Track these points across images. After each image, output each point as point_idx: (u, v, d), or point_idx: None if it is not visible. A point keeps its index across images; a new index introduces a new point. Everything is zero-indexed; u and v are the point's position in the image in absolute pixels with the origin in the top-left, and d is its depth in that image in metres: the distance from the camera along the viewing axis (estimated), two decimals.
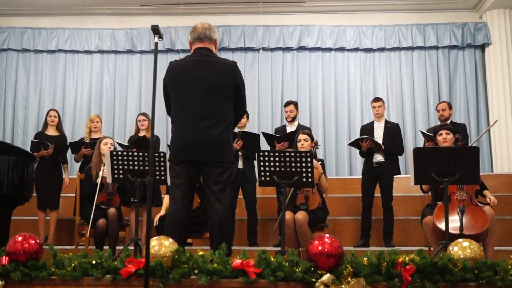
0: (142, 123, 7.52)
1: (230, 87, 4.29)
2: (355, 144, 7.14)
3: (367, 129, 7.34)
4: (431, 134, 7.07)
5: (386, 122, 7.34)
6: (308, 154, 4.64)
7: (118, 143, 7.32)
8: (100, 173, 5.97)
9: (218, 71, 4.29)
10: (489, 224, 4.88)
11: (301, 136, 5.91)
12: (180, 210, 4.21)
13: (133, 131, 8.01)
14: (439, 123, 7.32)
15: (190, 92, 4.26)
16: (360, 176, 7.29)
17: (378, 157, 7.01)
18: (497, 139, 9.88)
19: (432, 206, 5.22)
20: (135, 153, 5.00)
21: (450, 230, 4.58)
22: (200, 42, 4.45)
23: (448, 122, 7.24)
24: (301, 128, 7.07)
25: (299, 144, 5.87)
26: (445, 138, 5.46)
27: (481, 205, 5.09)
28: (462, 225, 4.78)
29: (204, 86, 4.24)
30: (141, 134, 7.52)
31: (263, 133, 7.32)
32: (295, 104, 7.56)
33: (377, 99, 7.47)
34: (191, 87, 4.27)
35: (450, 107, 7.48)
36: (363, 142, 6.91)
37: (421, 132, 7.72)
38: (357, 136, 7.29)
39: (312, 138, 5.96)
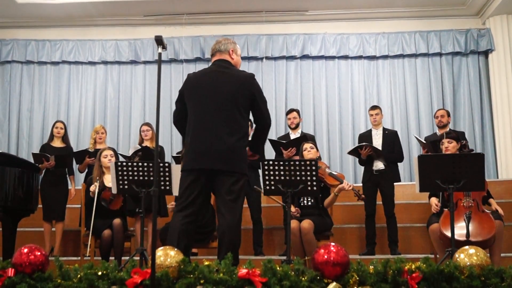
0: (146, 133, 7.52)
1: (245, 98, 4.29)
2: (354, 152, 7.14)
3: (365, 137, 7.35)
4: (424, 141, 7.12)
5: (384, 129, 7.35)
6: (313, 162, 4.64)
7: (121, 155, 7.35)
8: (94, 188, 5.97)
9: (234, 82, 4.30)
10: (496, 230, 4.86)
11: (307, 145, 5.95)
12: (186, 218, 4.22)
13: (137, 141, 8.01)
14: (437, 130, 7.34)
15: (205, 102, 4.28)
16: None
17: (379, 165, 7.00)
18: (502, 145, 9.86)
19: (438, 213, 5.20)
20: (140, 164, 5.01)
21: (456, 237, 4.57)
22: (214, 56, 4.52)
23: (447, 129, 7.25)
24: (305, 135, 7.08)
25: (305, 153, 5.90)
26: (447, 147, 5.46)
27: (488, 211, 5.08)
28: (468, 232, 4.77)
29: (219, 96, 4.26)
30: (145, 144, 7.52)
31: (269, 140, 7.33)
32: (298, 112, 7.61)
33: (374, 107, 7.49)
34: (207, 97, 4.28)
35: (448, 114, 7.50)
36: (363, 150, 6.91)
37: (416, 137, 7.76)
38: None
39: (316, 149, 5.99)
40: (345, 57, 10.59)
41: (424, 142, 7.14)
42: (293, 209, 5.65)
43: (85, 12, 10.35)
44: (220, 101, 4.25)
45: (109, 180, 6.14)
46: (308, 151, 5.89)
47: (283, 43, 10.54)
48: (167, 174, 4.99)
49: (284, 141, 7.08)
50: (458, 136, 5.68)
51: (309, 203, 5.78)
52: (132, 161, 5.49)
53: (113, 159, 6.23)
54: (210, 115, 4.24)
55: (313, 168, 4.60)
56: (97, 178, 6.07)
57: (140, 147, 7.23)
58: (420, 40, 10.41)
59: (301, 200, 5.79)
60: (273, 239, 7.43)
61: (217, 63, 4.46)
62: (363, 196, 5.95)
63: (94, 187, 5.97)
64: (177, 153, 7.26)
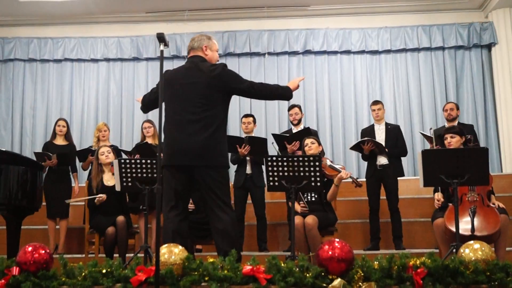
0: (148, 130, 7.50)
1: (218, 90, 4.32)
2: (357, 147, 7.12)
3: (368, 132, 7.33)
4: (431, 136, 7.07)
5: (387, 124, 7.33)
6: (316, 158, 4.63)
7: (123, 151, 7.37)
8: (101, 200, 5.98)
9: (203, 76, 4.33)
10: (501, 224, 4.84)
11: (308, 140, 5.93)
12: (177, 217, 4.23)
13: (139, 138, 8.00)
14: (446, 123, 7.30)
15: (179, 98, 4.32)
16: None
17: (382, 160, 6.99)
18: (506, 139, 9.83)
19: (443, 208, 5.18)
20: (143, 161, 5.01)
21: (461, 232, 4.56)
22: (189, 53, 4.58)
23: (456, 123, 7.20)
24: (308, 128, 7.08)
25: (306, 148, 5.88)
26: (450, 142, 5.39)
27: (493, 205, 5.06)
28: (473, 227, 4.75)
29: (191, 92, 4.30)
30: (147, 141, 7.50)
31: (273, 134, 7.32)
32: (299, 107, 7.58)
33: (376, 102, 7.47)
34: (180, 93, 4.33)
35: (457, 107, 7.44)
36: (365, 145, 6.89)
37: (421, 133, 7.71)
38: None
39: (319, 143, 5.97)
40: (348, 52, 10.55)
41: (432, 136, 7.09)
42: (298, 206, 5.65)
43: (87, 9, 10.33)
44: (191, 98, 4.28)
45: (107, 178, 6.16)
46: (309, 147, 5.86)
47: (285, 39, 10.51)
48: None
49: (287, 135, 7.07)
50: (461, 130, 5.64)
51: (313, 199, 5.78)
52: (135, 158, 5.49)
53: (110, 155, 6.25)
54: (183, 111, 4.28)
55: (317, 163, 4.59)
56: (100, 198, 6.04)
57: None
58: (422, 34, 10.37)
59: (305, 195, 5.78)
60: (277, 235, 7.43)
61: (190, 59, 4.52)
62: (360, 182, 5.94)
63: (101, 199, 5.96)
64: None
